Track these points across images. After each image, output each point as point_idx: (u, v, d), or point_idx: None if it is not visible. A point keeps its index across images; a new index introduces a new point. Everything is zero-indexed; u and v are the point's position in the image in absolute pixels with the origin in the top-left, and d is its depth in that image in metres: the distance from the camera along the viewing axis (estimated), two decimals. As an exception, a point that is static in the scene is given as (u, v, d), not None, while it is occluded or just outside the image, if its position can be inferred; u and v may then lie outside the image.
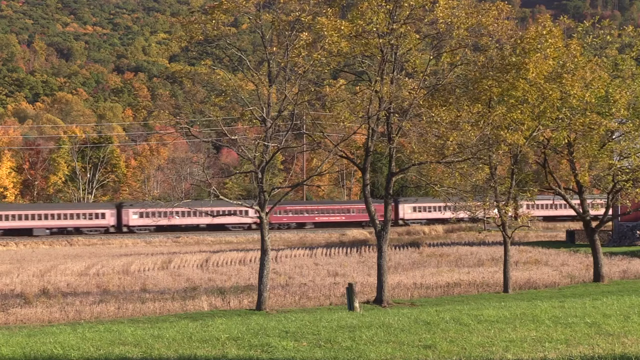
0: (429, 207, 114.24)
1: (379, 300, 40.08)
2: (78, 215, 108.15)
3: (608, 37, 49.65)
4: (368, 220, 49.11)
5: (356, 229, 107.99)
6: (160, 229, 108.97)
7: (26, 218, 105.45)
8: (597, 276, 49.85)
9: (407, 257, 69.28)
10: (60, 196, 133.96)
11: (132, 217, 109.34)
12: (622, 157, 49.51)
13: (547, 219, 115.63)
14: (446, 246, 79.46)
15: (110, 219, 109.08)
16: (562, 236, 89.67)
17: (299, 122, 43.47)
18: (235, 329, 18.51)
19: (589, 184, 53.28)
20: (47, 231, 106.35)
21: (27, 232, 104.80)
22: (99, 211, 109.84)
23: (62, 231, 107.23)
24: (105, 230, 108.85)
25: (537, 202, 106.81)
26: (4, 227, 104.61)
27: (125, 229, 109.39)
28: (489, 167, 44.29)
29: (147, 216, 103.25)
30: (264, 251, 40.07)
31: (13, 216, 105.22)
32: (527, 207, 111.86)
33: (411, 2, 38.41)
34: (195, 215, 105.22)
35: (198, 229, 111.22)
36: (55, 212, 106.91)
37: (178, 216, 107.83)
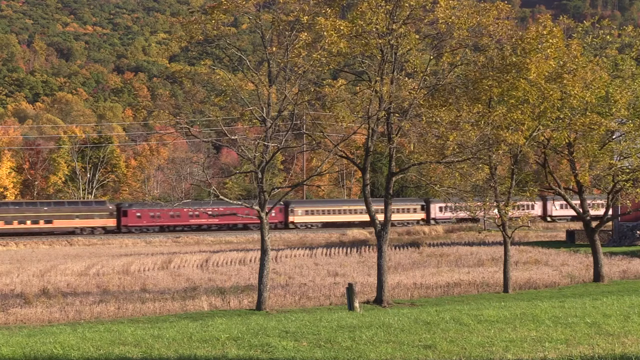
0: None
1: (379, 300, 40.07)
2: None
3: (608, 37, 49.63)
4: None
5: (356, 229, 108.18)
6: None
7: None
8: (597, 276, 49.85)
9: (407, 257, 69.27)
10: (61, 196, 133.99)
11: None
12: (622, 157, 49.52)
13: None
14: (446, 246, 79.46)
15: None
16: (562, 236, 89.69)
17: (299, 122, 43.46)
18: (235, 329, 18.50)
19: (589, 184, 53.28)
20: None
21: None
22: None
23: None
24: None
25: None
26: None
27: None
28: (489, 167, 44.29)
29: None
30: (263, 251, 40.08)
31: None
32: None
33: (411, 3, 38.38)
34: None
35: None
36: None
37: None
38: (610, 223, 74.43)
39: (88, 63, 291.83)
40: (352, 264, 64.91)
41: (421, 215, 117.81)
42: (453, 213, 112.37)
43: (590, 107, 44.97)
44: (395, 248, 77.92)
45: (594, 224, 52.44)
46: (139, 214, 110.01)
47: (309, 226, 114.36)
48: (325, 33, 36.52)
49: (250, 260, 69.86)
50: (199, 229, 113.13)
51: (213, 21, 38.24)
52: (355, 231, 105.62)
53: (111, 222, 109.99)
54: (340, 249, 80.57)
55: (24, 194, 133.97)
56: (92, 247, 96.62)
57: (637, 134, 47.88)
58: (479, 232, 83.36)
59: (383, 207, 42.18)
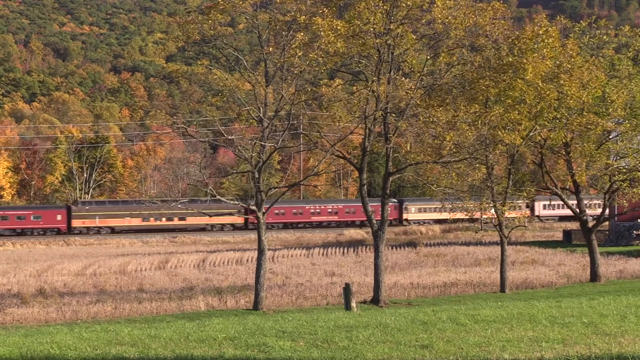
0: None
1: (375, 300, 40.08)
2: None
3: (605, 37, 49.66)
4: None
5: (353, 229, 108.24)
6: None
7: None
8: (594, 276, 49.87)
9: (404, 257, 69.27)
10: (58, 196, 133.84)
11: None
12: (619, 157, 49.57)
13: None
14: (443, 246, 79.49)
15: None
16: (558, 236, 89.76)
17: (295, 122, 43.45)
18: (232, 328, 18.46)
19: (586, 183, 53.30)
20: None
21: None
22: None
23: None
24: None
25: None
26: None
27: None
28: (486, 167, 44.30)
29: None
30: (260, 251, 40.08)
31: None
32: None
33: (408, 3, 38.32)
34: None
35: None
36: None
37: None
38: (607, 223, 74.49)
39: (85, 63, 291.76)
40: (349, 264, 64.89)
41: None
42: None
43: (587, 107, 44.96)
44: (392, 248, 77.91)
45: (590, 223, 52.46)
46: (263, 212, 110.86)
47: (421, 223, 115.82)
48: (322, 33, 36.49)
49: (247, 260, 69.82)
50: (319, 225, 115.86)
51: (210, 21, 38.21)
52: (352, 231, 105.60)
53: (239, 220, 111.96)
54: (337, 248, 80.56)
55: (21, 194, 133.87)
56: (89, 247, 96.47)
57: (633, 134, 47.92)
58: (476, 232, 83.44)
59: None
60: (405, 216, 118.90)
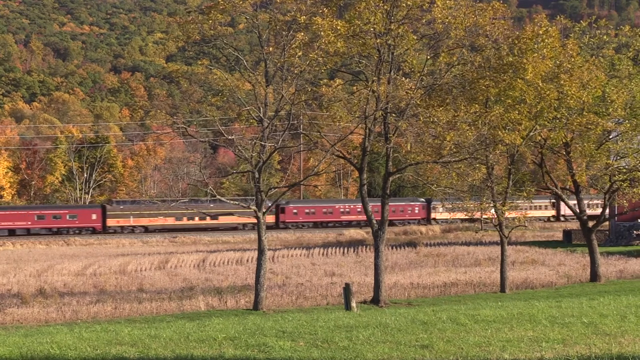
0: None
1: (376, 300, 40.07)
2: None
3: (605, 37, 49.66)
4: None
5: (353, 229, 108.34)
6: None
7: None
8: (594, 276, 49.88)
9: (404, 257, 69.25)
10: (58, 196, 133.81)
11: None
12: (619, 157, 49.57)
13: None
14: (443, 246, 79.49)
15: None
16: (559, 236, 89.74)
17: (295, 122, 43.44)
18: (232, 328, 18.46)
19: (586, 183, 53.29)
20: None
21: None
22: None
23: None
24: None
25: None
26: None
27: None
28: (486, 167, 44.30)
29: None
30: (260, 251, 40.07)
31: None
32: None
33: (408, 3, 38.30)
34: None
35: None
36: None
37: None
38: (607, 223, 74.49)
39: (85, 63, 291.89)
40: (349, 264, 64.88)
41: None
42: None
43: (587, 107, 44.97)
44: (392, 248, 77.90)
45: (590, 223, 52.47)
46: (295, 211, 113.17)
47: (449, 222, 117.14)
48: (322, 33, 36.47)
49: (247, 260, 69.82)
50: (349, 224, 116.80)
51: (210, 21, 38.19)
52: (352, 231, 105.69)
53: (270, 219, 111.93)
54: (337, 248, 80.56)
55: (21, 194, 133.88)
56: (89, 247, 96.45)
57: (633, 133, 47.92)
58: (476, 232, 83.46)
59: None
60: (433, 215, 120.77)
